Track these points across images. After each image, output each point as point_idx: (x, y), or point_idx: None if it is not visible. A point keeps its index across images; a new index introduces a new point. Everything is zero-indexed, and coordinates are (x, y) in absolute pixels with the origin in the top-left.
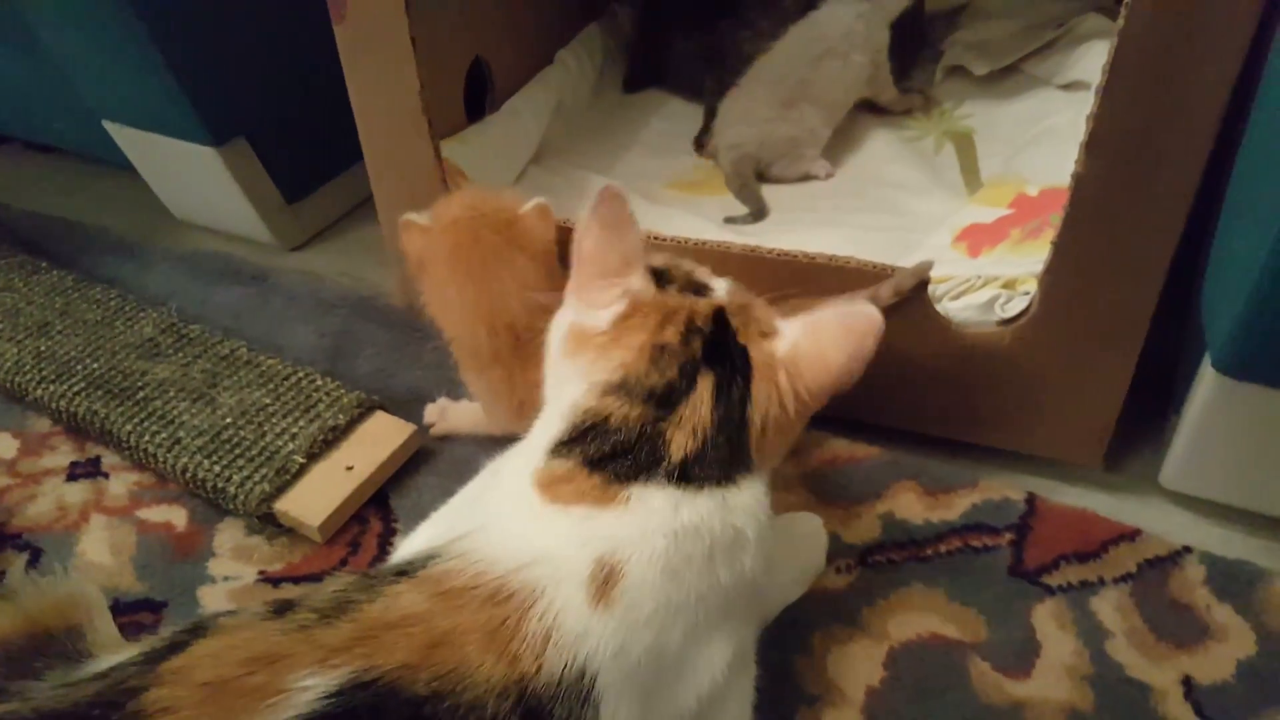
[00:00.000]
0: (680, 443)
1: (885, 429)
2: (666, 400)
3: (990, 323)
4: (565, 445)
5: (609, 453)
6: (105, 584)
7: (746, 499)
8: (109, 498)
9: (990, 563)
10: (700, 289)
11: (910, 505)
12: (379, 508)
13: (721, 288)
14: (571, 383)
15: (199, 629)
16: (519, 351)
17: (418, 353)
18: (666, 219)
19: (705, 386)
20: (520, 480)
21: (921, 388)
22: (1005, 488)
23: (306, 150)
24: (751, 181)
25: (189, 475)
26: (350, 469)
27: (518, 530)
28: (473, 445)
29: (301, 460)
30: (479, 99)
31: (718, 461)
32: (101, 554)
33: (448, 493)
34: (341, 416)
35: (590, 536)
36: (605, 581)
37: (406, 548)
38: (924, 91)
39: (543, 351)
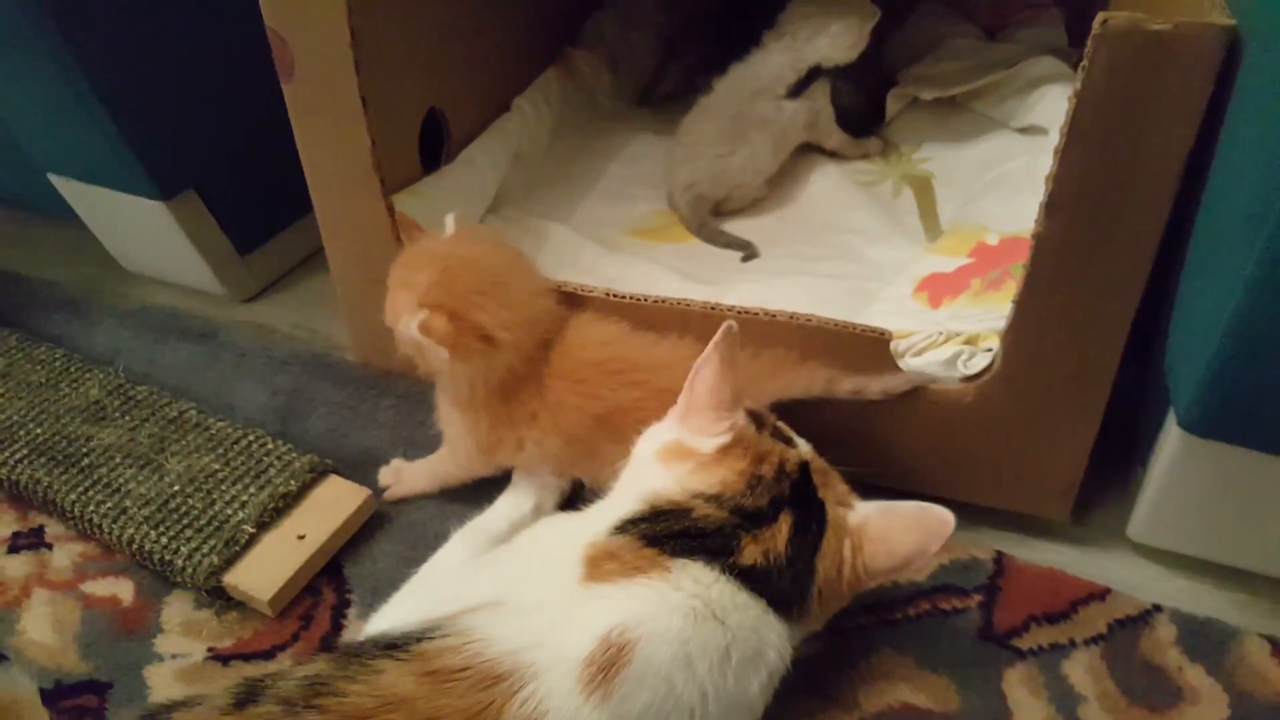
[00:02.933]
0: (752, 554)
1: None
2: (752, 519)
3: (954, 379)
4: (633, 523)
5: (678, 532)
6: (47, 664)
7: (778, 637)
8: (52, 570)
9: (959, 626)
10: (787, 440)
11: None
12: (332, 578)
13: (804, 446)
14: (660, 479)
15: None
16: (506, 386)
17: (372, 411)
18: (626, 268)
19: (786, 522)
20: (568, 553)
21: (885, 443)
22: (973, 546)
23: (258, 200)
24: (710, 220)
25: (135, 546)
26: (302, 538)
27: (535, 608)
28: (429, 508)
29: (251, 530)
30: (435, 148)
31: (777, 588)
32: (44, 632)
33: (404, 560)
34: (293, 482)
35: (606, 608)
36: (607, 665)
37: (378, 628)
38: (880, 135)
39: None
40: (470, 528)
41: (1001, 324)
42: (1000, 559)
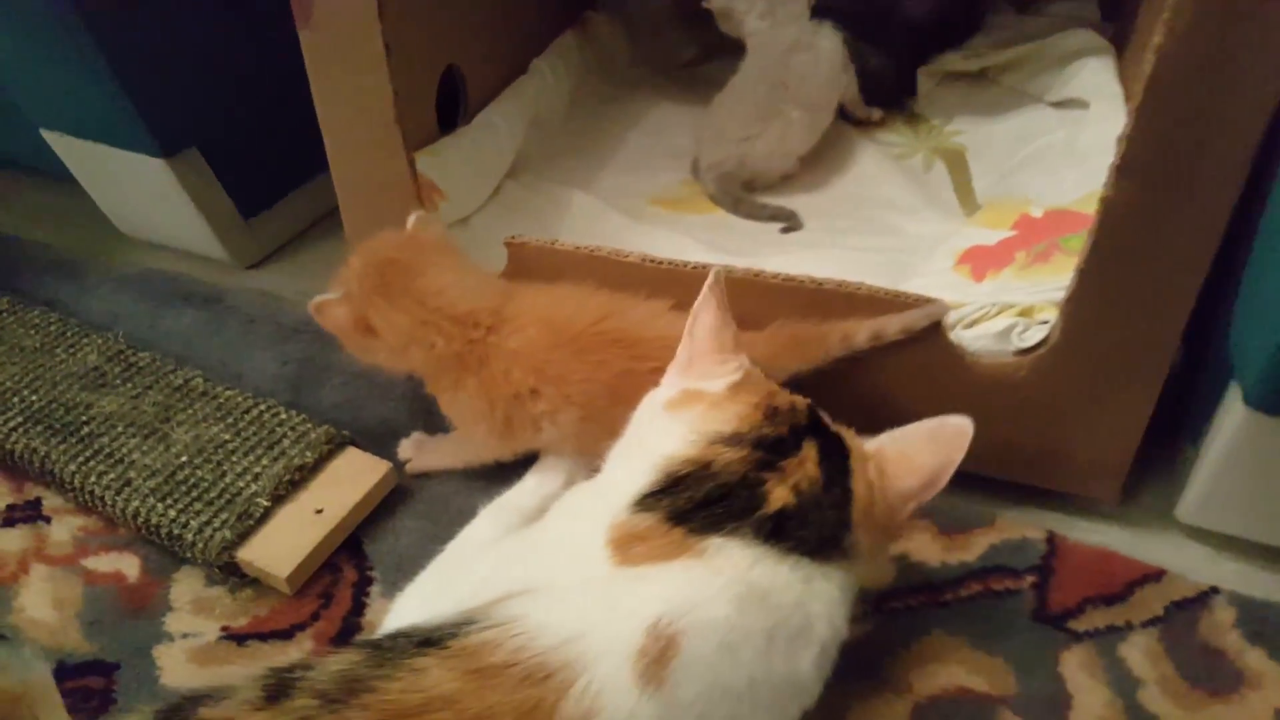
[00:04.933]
0: (780, 495)
1: None
2: (776, 448)
3: (1006, 352)
4: (653, 497)
5: (700, 500)
6: (49, 643)
7: (830, 589)
8: (51, 545)
9: (1013, 608)
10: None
11: (926, 546)
12: (352, 554)
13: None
14: (672, 435)
15: None
16: (485, 360)
17: (389, 382)
18: (652, 238)
19: (811, 448)
20: (592, 535)
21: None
22: (1024, 526)
23: (263, 162)
24: (744, 196)
25: (141, 520)
26: (320, 512)
27: (574, 595)
28: (452, 482)
29: (266, 503)
30: (448, 110)
31: (817, 525)
32: (43, 610)
33: (427, 536)
34: (309, 454)
35: (648, 597)
36: (659, 657)
37: (404, 609)
38: (911, 109)
39: (511, 361)
40: (497, 504)
41: (1058, 295)
42: (1052, 539)
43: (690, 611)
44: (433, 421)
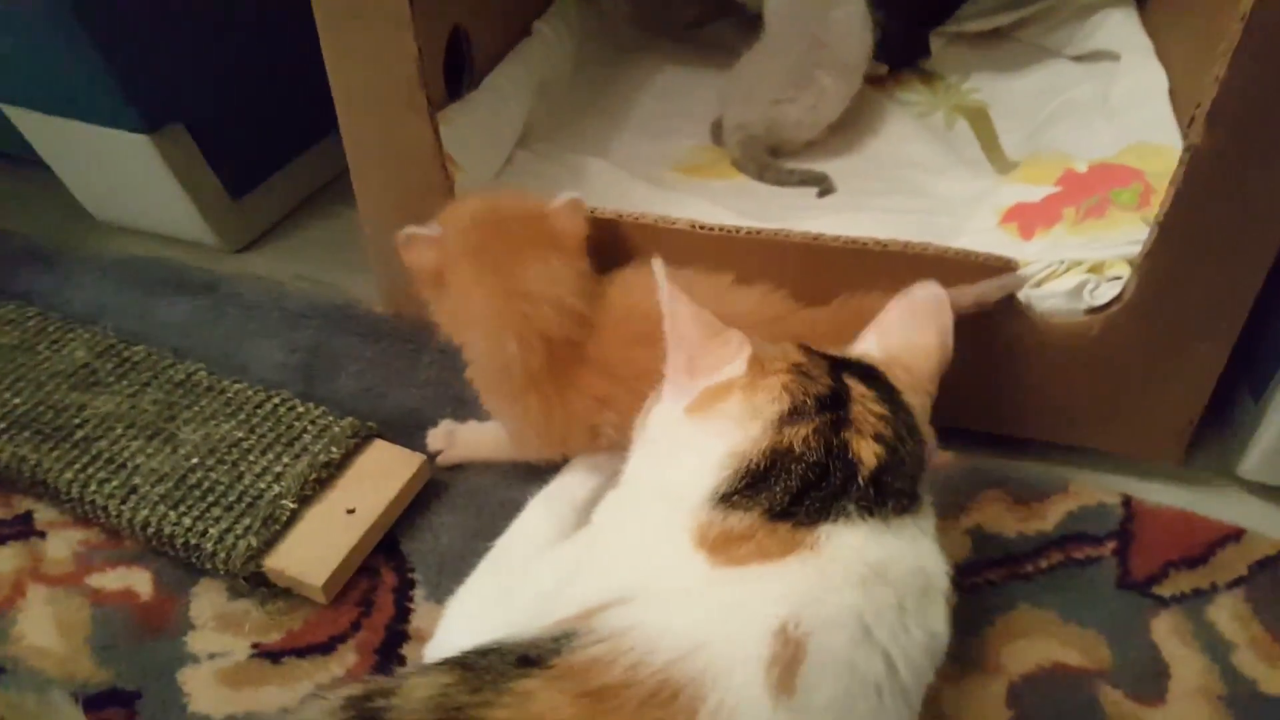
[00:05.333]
0: (869, 451)
1: (952, 431)
2: (836, 401)
3: (1077, 311)
4: (740, 494)
5: (798, 489)
6: (58, 674)
7: (928, 542)
8: (49, 563)
9: (1096, 576)
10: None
11: (1000, 517)
12: (389, 555)
13: None
14: (724, 434)
15: None
16: (555, 371)
17: (411, 367)
18: (680, 206)
19: (856, 385)
20: (670, 539)
21: (996, 384)
22: (1098, 491)
23: (252, 137)
24: (771, 162)
25: (151, 530)
26: (352, 512)
27: (682, 603)
28: (490, 473)
29: (293, 505)
30: (450, 76)
31: (907, 466)
32: (48, 636)
33: (469, 532)
34: (335, 449)
35: (766, 599)
36: (790, 662)
37: (461, 616)
38: (926, 68)
39: (581, 369)
40: (547, 496)
41: (1129, 250)
42: (1129, 503)
43: (815, 608)
44: (462, 408)
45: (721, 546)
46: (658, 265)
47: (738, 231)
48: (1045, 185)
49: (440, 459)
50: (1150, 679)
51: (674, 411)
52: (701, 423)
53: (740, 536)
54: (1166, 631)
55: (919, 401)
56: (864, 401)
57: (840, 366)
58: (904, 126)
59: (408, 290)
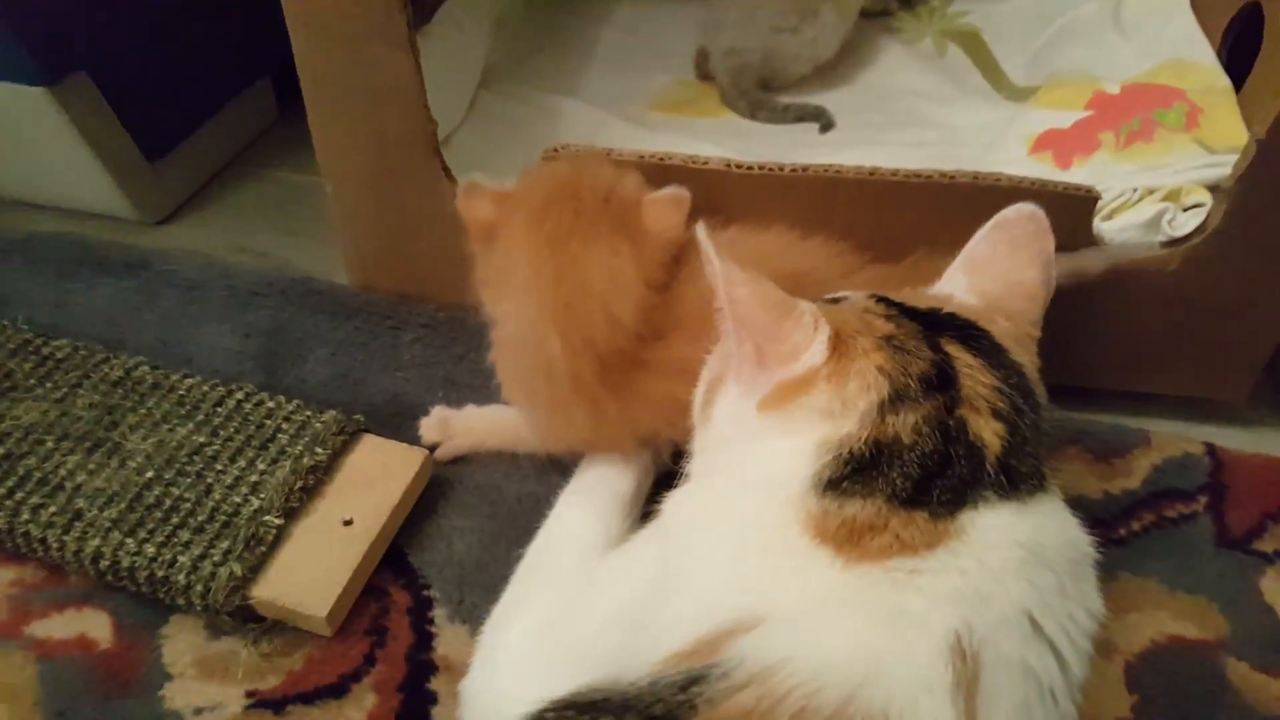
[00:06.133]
0: (990, 431)
1: None
2: (944, 378)
3: (1153, 244)
4: (851, 480)
5: (919, 476)
6: None
7: (1064, 510)
8: None
9: (1193, 535)
10: (836, 300)
11: (1081, 477)
12: (397, 571)
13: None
14: (807, 433)
15: None
16: (611, 378)
17: (390, 347)
18: (674, 147)
19: (958, 350)
20: (785, 536)
21: (1065, 328)
22: (1180, 441)
23: (169, 87)
24: (764, 96)
25: (106, 564)
26: (349, 524)
27: (827, 620)
28: (498, 465)
29: (278, 521)
30: None
31: (1030, 443)
32: None
33: (487, 535)
34: (320, 450)
35: (931, 604)
36: (970, 682)
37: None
38: None
39: (645, 375)
40: (584, 490)
41: (1198, 174)
42: (1214, 452)
43: (983, 610)
44: (454, 391)
45: (849, 539)
46: (702, 234)
47: (781, 170)
48: (1074, 110)
49: (439, 453)
50: (1273, 648)
51: (744, 408)
52: (781, 421)
53: (869, 527)
54: (1277, 591)
55: (1028, 358)
56: (973, 373)
57: (935, 327)
58: (894, 55)
59: (380, 256)
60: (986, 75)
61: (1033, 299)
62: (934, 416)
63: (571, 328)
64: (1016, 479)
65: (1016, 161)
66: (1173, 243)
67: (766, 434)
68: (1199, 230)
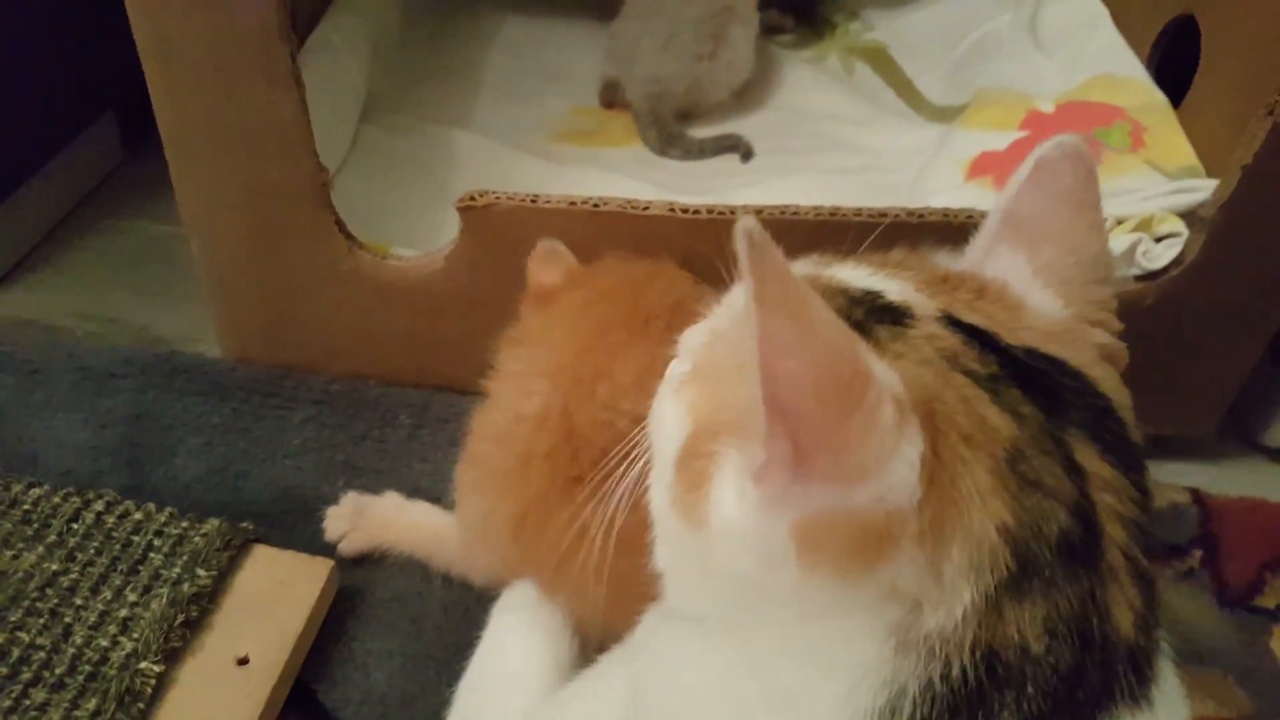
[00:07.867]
0: (1126, 605)
1: None
2: (1089, 538)
3: (1128, 278)
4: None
5: (1042, 712)
6: None
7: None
8: None
9: (1197, 595)
10: (896, 314)
11: None
12: (304, 714)
13: (894, 289)
14: (872, 620)
15: None
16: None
17: (278, 430)
18: (584, 183)
19: (1087, 453)
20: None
21: None
22: (1165, 490)
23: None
24: (680, 131)
25: None
26: (244, 662)
27: None
28: (413, 572)
29: (158, 668)
30: None
31: (1155, 589)
32: None
33: (414, 661)
34: (202, 572)
35: None
36: None
37: None
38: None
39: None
40: (526, 602)
41: (1185, 199)
42: (1200, 499)
43: None
44: (356, 477)
45: None
46: (749, 234)
47: (732, 212)
48: (1008, 130)
49: (343, 546)
50: None
51: (768, 525)
52: (835, 581)
53: None
54: None
55: (1126, 400)
56: (1111, 504)
57: (1052, 400)
58: (801, 74)
59: (261, 324)
60: (900, 94)
61: (1105, 280)
62: (1074, 609)
63: (588, 426)
64: (1145, 669)
65: (953, 188)
66: (1148, 276)
67: (808, 595)
68: (1176, 262)
